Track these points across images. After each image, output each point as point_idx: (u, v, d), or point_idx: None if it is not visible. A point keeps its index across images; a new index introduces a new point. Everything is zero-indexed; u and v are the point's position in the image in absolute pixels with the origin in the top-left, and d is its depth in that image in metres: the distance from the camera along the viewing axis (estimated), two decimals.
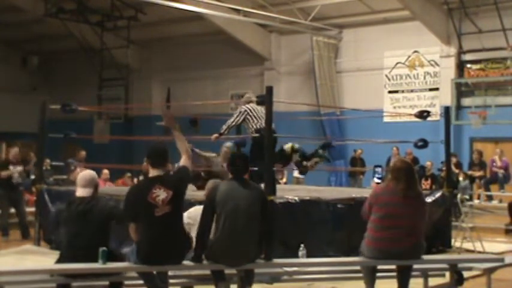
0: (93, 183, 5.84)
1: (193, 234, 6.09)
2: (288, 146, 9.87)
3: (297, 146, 9.94)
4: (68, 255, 5.69)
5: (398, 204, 5.91)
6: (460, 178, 14.88)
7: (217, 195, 5.77)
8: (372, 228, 6.01)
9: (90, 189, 5.78)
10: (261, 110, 9.15)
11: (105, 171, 13.97)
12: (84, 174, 5.95)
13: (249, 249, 5.79)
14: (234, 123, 9.34)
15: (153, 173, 5.64)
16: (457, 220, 11.48)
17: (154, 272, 5.72)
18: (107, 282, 5.77)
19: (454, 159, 13.93)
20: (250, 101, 9.52)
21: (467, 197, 14.76)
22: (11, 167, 11.87)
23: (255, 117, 9.20)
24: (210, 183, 6.58)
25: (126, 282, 5.95)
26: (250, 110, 9.24)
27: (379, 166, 7.57)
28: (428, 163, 15.58)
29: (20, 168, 12.24)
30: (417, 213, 5.98)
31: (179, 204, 5.61)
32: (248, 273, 5.94)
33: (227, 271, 5.92)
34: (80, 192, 5.77)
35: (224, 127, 9.36)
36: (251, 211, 5.78)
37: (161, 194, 5.47)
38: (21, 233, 11.76)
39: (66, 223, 5.78)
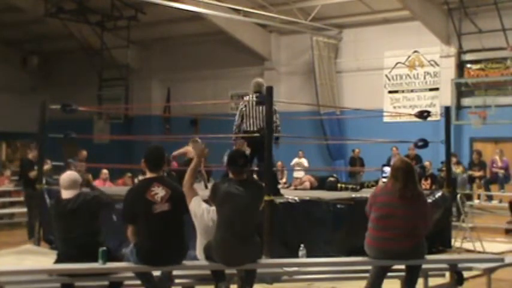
0: (77, 184, 5.91)
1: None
2: None
3: None
4: (64, 254, 5.73)
5: (395, 205, 5.89)
6: (458, 170, 14.79)
7: (217, 195, 5.78)
8: (371, 227, 6.02)
9: (74, 191, 5.84)
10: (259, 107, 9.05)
11: (105, 171, 13.98)
12: (67, 176, 5.97)
13: (248, 250, 5.79)
14: (237, 124, 9.29)
15: (150, 175, 5.71)
16: (457, 220, 11.48)
17: (158, 273, 5.73)
18: (105, 282, 5.77)
19: (454, 160, 13.91)
20: (257, 91, 9.33)
21: (466, 191, 14.74)
22: (36, 168, 11.85)
23: (248, 117, 9.13)
24: (215, 181, 6.61)
25: (126, 282, 5.95)
26: (245, 108, 9.15)
27: (387, 165, 7.58)
28: (427, 163, 15.59)
29: (47, 167, 12.32)
30: (416, 214, 5.95)
31: (178, 204, 5.61)
32: (249, 273, 5.94)
33: (227, 271, 5.93)
34: (66, 194, 5.83)
35: (234, 128, 9.33)
36: (250, 211, 5.78)
37: (160, 192, 5.52)
38: (28, 232, 11.72)
39: (57, 222, 5.85)
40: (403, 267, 6.16)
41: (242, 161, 5.91)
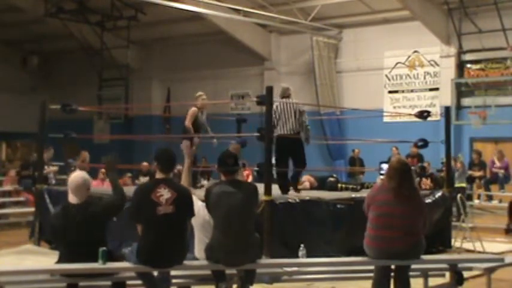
0: (86, 187, 5.68)
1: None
2: None
3: None
4: (65, 259, 5.63)
5: (393, 203, 5.91)
6: (458, 165, 14.75)
7: (210, 199, 5.79)
8: (370, 227, 6.02)
9: (83, 195, 5.64)
10: (290, 108, 9.28)
11: (103, 170, 13.98)
12: (76, 179, 5.68)
13: (247, 250, 5.79)
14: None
15: (159, 175, 5.72)
16: (457, 220, 11.48)
17: (155, 273, 5.74)
18: (108, 283, 5.77)
19: (454, 162, 13.89)
20: (284, 96, 9.56)
21: (464, 185, 14.72)
22: (45, 168, 11.82)
23: (279, 120, 9.28)
24: (207, 185, 6.60)
25: (127, 282, 5.94)
26: (274, 114, 9.20)
27: (386, 162, 7.58)
28: (425, 164, 15.56)
29: (53, 168, 12.30)
30: (414, 213, 5.98)
31: (183, 207, 5.61)
32: (249, 272, 5.94)
33: (227, 271, 5.93)
34: (73, 199, 5.63)
35: None
36: (245, 212, 5.78)
37: (165, 194, 5.53)
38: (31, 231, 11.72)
39: (64, 232, 5.60)
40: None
41: (231, 161, 5.91)
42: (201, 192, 6.60)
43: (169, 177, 5.75)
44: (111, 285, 5.79)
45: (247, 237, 5.77)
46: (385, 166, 8.91)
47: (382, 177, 7.62)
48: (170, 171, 5.77)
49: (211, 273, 5.92)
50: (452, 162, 12.67)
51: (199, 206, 6.17)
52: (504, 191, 15.40)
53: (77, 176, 5.78)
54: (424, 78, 18.99)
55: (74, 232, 5.53)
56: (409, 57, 19.19)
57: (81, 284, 5.69)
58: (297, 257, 7.09)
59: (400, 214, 5.89)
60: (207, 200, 5.85)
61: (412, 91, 19.16)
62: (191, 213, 5.79)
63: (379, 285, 6.07)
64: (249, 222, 5.84)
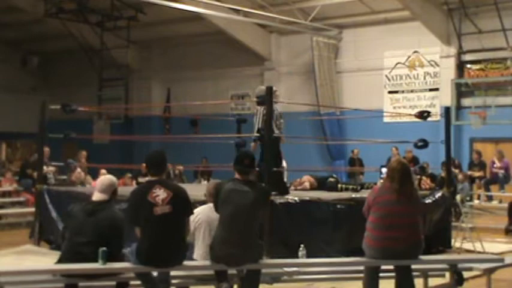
0: (111, 189, 5.88)
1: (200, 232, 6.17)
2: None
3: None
4: (68, 251, 5.68)
5: (395, 203, 5.94)
6: (460, 176, 14.79)
7: (220, 194, 5.78)
8: (371, 228, 6.02)
9: (106, 195, 5.82)
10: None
11: (103, 171, 13.99)
12: (103, 179, 6.03)
13: (250, 250, 5.78)
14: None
15: (153, 178, 5.74)
16: (457, 220, 11.48)
17: (155, 274, 5.74)
18: (108, 283, 5.77)
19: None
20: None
21: (467, 198, 14.74)
22: (44, 168, 11.83)
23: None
24: (211, 184, 6.57)
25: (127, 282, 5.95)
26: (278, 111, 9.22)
27: (385, 166, 7.62)
28: (424, 164, 15.58)
29: (52, 168, 12.27)
30: (415, 212, 6.03)
31: (180, 206, 5.61)
32: (252, 274, 5.91)
33: (230, 271, 5.92)
34: (96, 196, 5.84)
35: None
36: (252, 212, 5.77)
37: (161, 194, 5.54)
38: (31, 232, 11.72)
39: (71, 219, 5.82)
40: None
41: (248, 161, 5.89)
42: (198, 192, 6.61)
43: (163, 178, 5.76)
44: (116, 286, 5.80)
45: (249, 237, 5.77)
46: (385, 170, 8.94)
47: (382, 180, 7.70)
48: (161, 173, 5.77)
49: (214, 273, 5.90)
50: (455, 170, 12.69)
51: (197, 210, 6.19)
52: (504, 191, 15.41)
53: (106, 177, 6.12)
54: (424, 78, 18.98)
55: (80, 219, 5.66)
56: (409, 57, 19.19)
57: (82, 284, 5.70)
58: (297, 257, 7.09)
59: (402, 214, 5.92)
60: (217, 193, 5.84)
61: (412, 91, 19.15)
62: (189, 211, 5.78)
63: (371, 285, 6.09)
64: (254, 223, 5.83)
